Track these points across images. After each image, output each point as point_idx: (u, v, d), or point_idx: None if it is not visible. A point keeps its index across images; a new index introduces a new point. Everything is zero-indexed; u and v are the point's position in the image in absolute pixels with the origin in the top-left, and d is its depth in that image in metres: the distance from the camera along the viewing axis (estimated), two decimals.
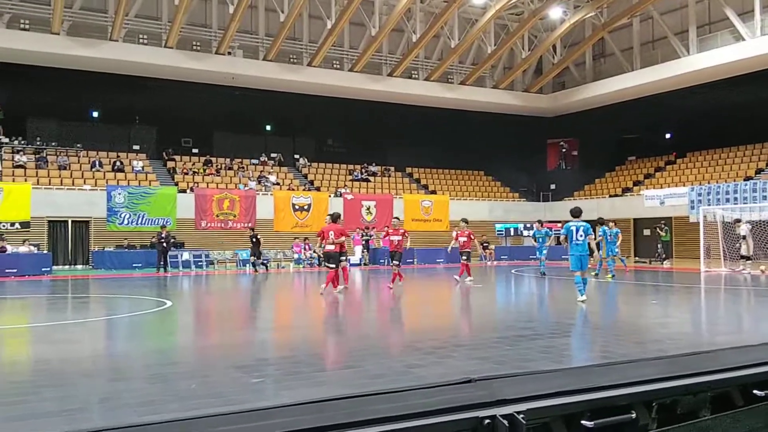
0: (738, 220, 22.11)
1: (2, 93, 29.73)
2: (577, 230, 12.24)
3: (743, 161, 32.76)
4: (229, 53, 31.75)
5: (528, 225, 31.29)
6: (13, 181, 26.71)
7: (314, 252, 26.49)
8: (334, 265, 14.53)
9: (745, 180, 29.27)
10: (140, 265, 25.38)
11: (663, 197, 31.90)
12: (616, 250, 20.50)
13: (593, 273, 18.26)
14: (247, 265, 25.54)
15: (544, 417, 1.54)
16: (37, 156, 29.33)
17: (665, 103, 34.52)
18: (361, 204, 32.26)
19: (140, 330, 10.31)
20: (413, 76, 37.16)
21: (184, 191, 29.58)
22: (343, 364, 7.15)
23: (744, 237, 21.11)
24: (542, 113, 40.58)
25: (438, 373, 6.11)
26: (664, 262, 26.39)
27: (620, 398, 1.65)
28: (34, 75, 28.99)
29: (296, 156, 36.76)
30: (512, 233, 34.34)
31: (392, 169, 38.33)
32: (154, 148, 33.48)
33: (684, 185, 31.93)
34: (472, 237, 18.54)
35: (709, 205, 26.50)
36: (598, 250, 16.31)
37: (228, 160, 34.15)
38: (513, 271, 24.15)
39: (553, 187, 40.43)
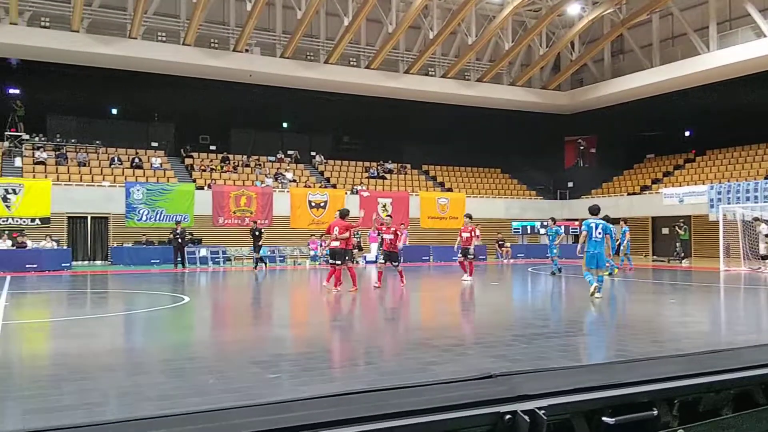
0: (756, 219, 21.84)
1: (23, 90, 30.19)
2: (596, 227, 12.32)
3: (764, 159, 32.27)
4: (247, 50, 31.86)
5: (544, 223, 31.15)
6: (34, 177, 27.10)
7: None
8: (339, 262, 13.99)
9: (765, 178, 28.90)
10: (158, 261, 25.59)
11: (682, 195, 31.63)
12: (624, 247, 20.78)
13: (607, 273, 18.16)
14: (258, 262, 24.06)
15: (564, 413, 1.53)
16: (56, 152, 29.68)
17: (685, 101, 34.11)
18: (377, 201, 32.28)
19: (158, 325, 10.40)
20: (430, 73, 37.05)
21: (201, 188, 29.78)
22: (359, 361, 7.15)
23: (766, 236, 20.86)
24: (560, 110, 40.29)
25: (454, 370, 6.09)
26: (683, 261, 26.16)
27: (641, 395, 1.63)
28: (54, 72, 29.28)
29: (312, 153, 36.83)
30: (529, 231, 34.23)
31: (408, 166, 38.28)
32: (172, 145, 33.76)
33: (703, 183, 31.61)
34: (476, 233, 18.19)
35: (728, 203, 26.25)
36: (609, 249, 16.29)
37: (245, 157, 34.30)
38: (529, 269, 24.05)
39: (570, 184, 40.14)
